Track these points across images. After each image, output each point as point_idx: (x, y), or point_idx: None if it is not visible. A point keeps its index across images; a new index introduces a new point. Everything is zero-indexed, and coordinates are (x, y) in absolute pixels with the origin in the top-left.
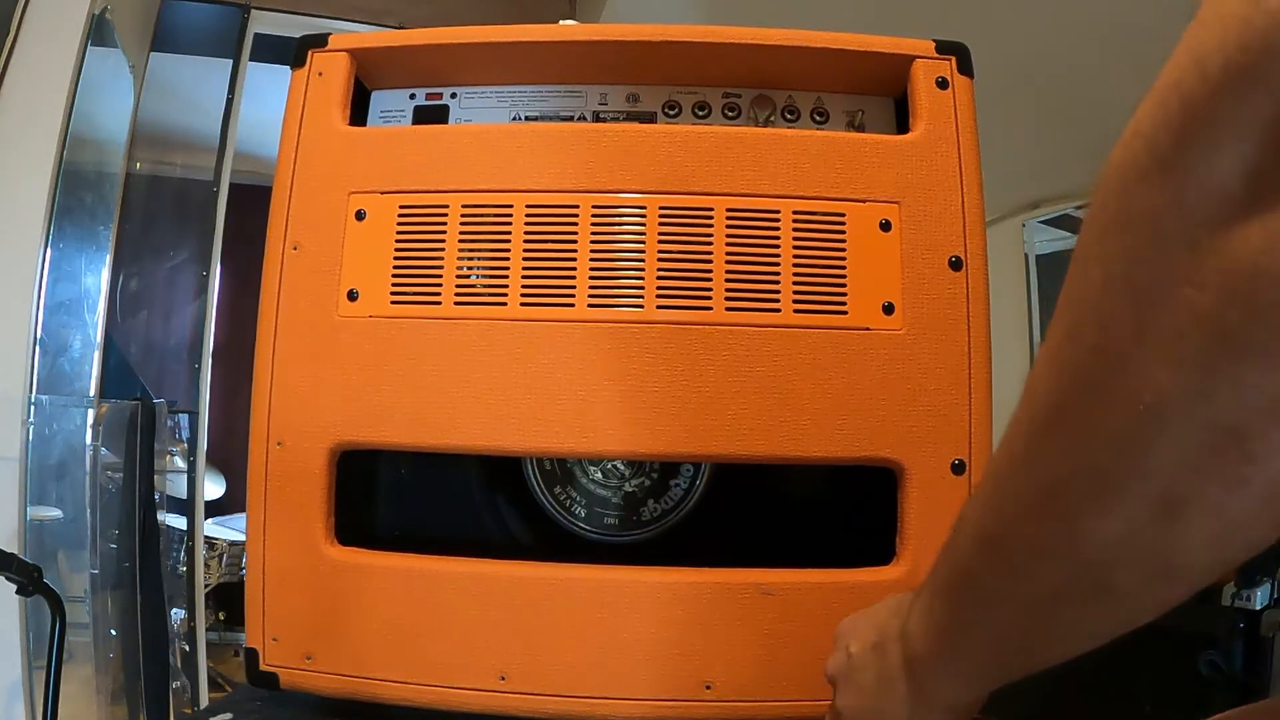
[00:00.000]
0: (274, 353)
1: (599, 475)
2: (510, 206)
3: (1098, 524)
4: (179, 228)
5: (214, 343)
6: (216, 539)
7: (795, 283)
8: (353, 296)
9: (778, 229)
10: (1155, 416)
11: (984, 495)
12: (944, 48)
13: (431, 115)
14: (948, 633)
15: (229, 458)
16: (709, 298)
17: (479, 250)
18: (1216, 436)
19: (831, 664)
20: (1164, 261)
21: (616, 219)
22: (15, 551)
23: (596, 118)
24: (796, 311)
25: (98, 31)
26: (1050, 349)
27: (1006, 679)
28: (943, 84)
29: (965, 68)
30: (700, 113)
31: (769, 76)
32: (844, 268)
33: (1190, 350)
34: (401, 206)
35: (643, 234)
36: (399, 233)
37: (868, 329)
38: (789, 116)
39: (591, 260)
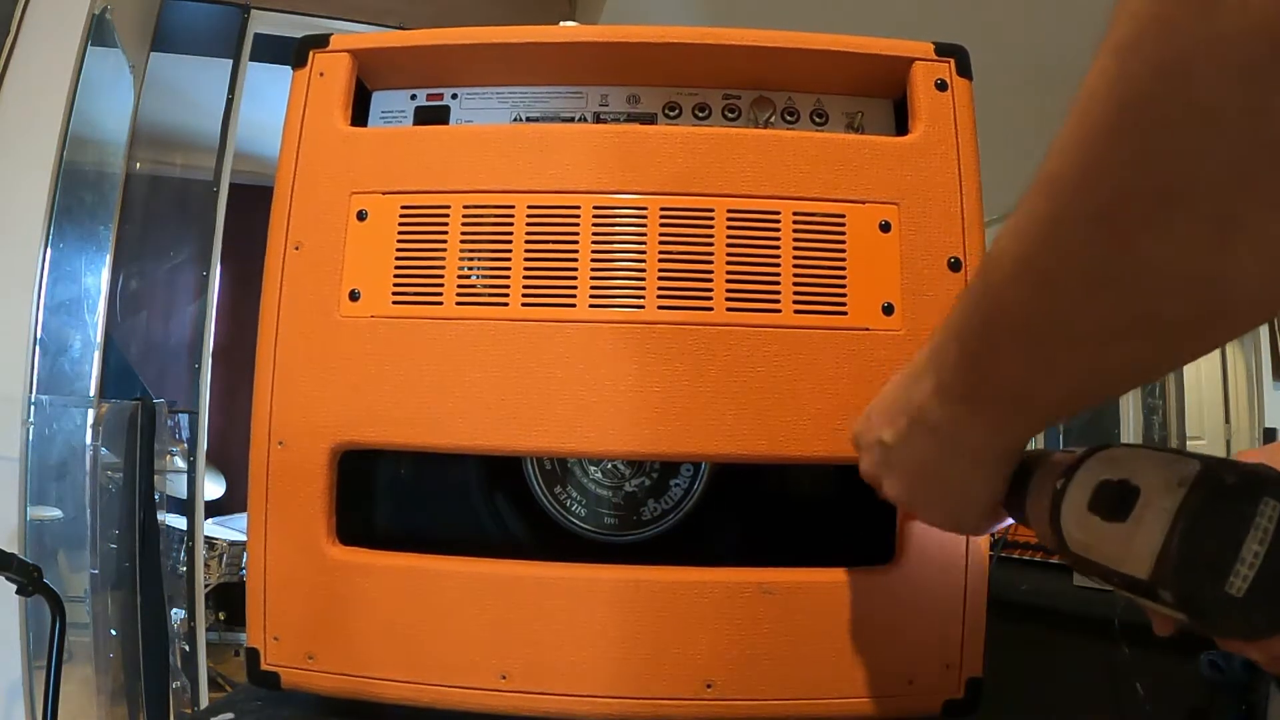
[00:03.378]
0: (275, 352)
1: (599, 475)
2: (512, 207)
3: (1153, 246)
4: (179, 228)
5: (214, 343)
6: (216, 539)
7: (795, 283)
8: (354, 296)
9: (778, 230)
10: (1213, 129)
11: (1030, 234)
12: (943, 50)
13: (432, 116)
14: (984, 383)
15: (229, 458)
16: (709, 298)
17: (480, 250)
18: (1272, 155)
19: (866, 465)
20: None
21: (618, 220)
22: (15, 551)
23: (597, 119)
24: (797, 312)
25: (98, 31)
26: (1106, 64)
27: (1043, 425)
28: (942, 86)
29: (964, 70)
30: (700, 114)
31: (769, 78)
32: (844, 269)
33: (1254, 58)
34: (403, 207)
35: (644, 235)
36: (400, 233)
37: (867, 329)
38: (789, 118)
39: (593, 261)
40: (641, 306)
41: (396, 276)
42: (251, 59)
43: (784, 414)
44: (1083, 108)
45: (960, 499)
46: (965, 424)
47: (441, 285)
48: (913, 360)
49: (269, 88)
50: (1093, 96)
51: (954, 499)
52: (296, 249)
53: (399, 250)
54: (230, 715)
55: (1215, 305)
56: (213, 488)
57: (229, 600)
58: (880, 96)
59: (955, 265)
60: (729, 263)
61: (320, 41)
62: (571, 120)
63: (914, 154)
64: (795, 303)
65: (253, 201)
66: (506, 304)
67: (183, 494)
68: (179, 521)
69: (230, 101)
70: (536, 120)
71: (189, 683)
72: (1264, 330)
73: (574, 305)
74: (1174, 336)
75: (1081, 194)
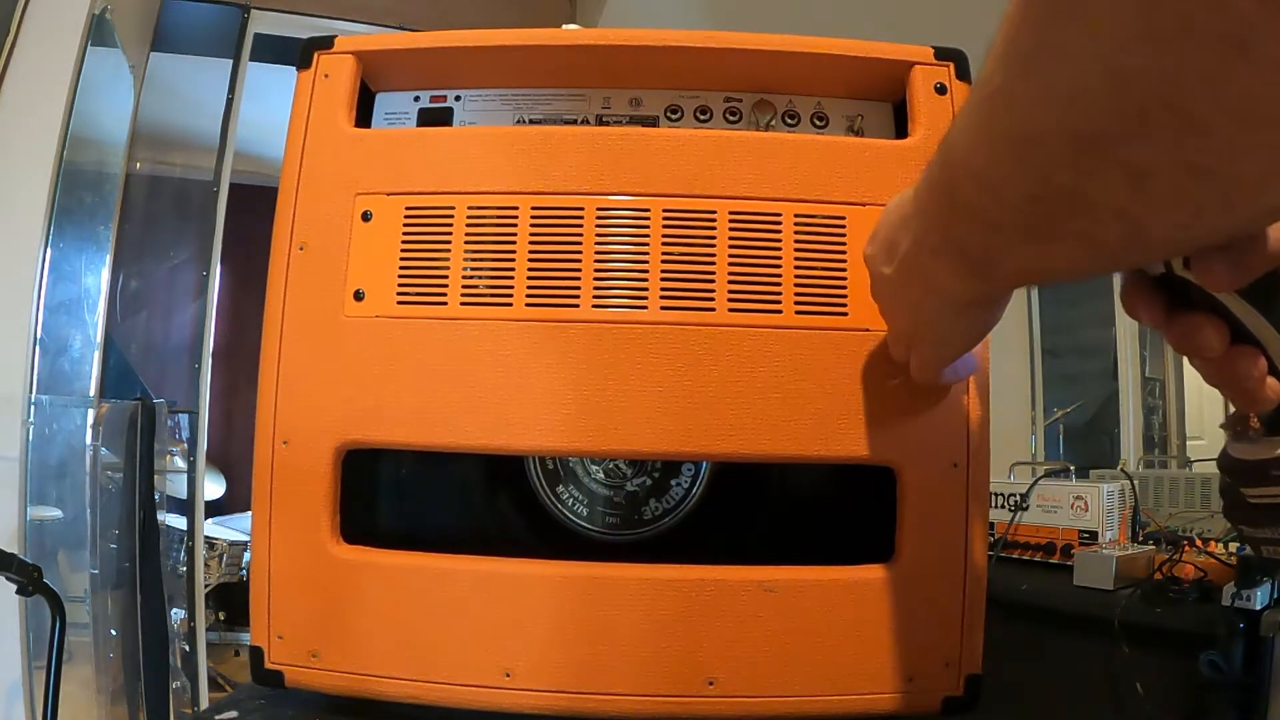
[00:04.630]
0: (280, 352)
1: (601, 474)
2: (516, 209)
3: (1074, 181)
4: (179, 228)
5: (214, 343)
6: (216, 539)
7: (797, 285)
8: (359, 296)
9: (779, 232)
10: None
11: (974, 140)
12: (942, 54)
13: (436, 117)
14: (952, 243)
15: (229, 458)
16: (712, 299)
17: (484, 251)
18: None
19: (872, 291)
20: None
21: (621, 221)
22: (15, 551)
23: (600, 121)
24: (798, 313)
25: (98, 31)
26: None
27: (1018, 285)
28: (941, 90)
29: (963, 73)
30: (702, 117)
31: (770, 81)
32: (845, 270)
33: None
34: (408, 208)
35: (646, 237)
36: (405, 234)
37: (868, 330)
38: (789, 121)
39: (596, 262)
40: (645, 307)
41: (401, 277)
42: (251, 59)
43: (785, 414)
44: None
45: (935, 341)
46: (943, 274)
47: (446, 286)
48: (911, 188)
49: (269, 88)
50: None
51: (930, 338)
52: (301, 249)
53: (403, 251)
54: (234, 714)
55: (1136, 237)
56: (213, 488)
57: (229, 600)
58: (880, 100)
59: None
60: (731, 264)
61: (325, 43)
62: (574, 122)
63: (914, 157)
64: (797, 304)
65: (253, 201)
66: (510, 304)
67: (183, 494)
68: (179, 521)
69: (230, 101)
70: (539, 122)
71: (189, 683)
72: None
73: (577, 306)
74: (1106, 250)
75: (995, 118)
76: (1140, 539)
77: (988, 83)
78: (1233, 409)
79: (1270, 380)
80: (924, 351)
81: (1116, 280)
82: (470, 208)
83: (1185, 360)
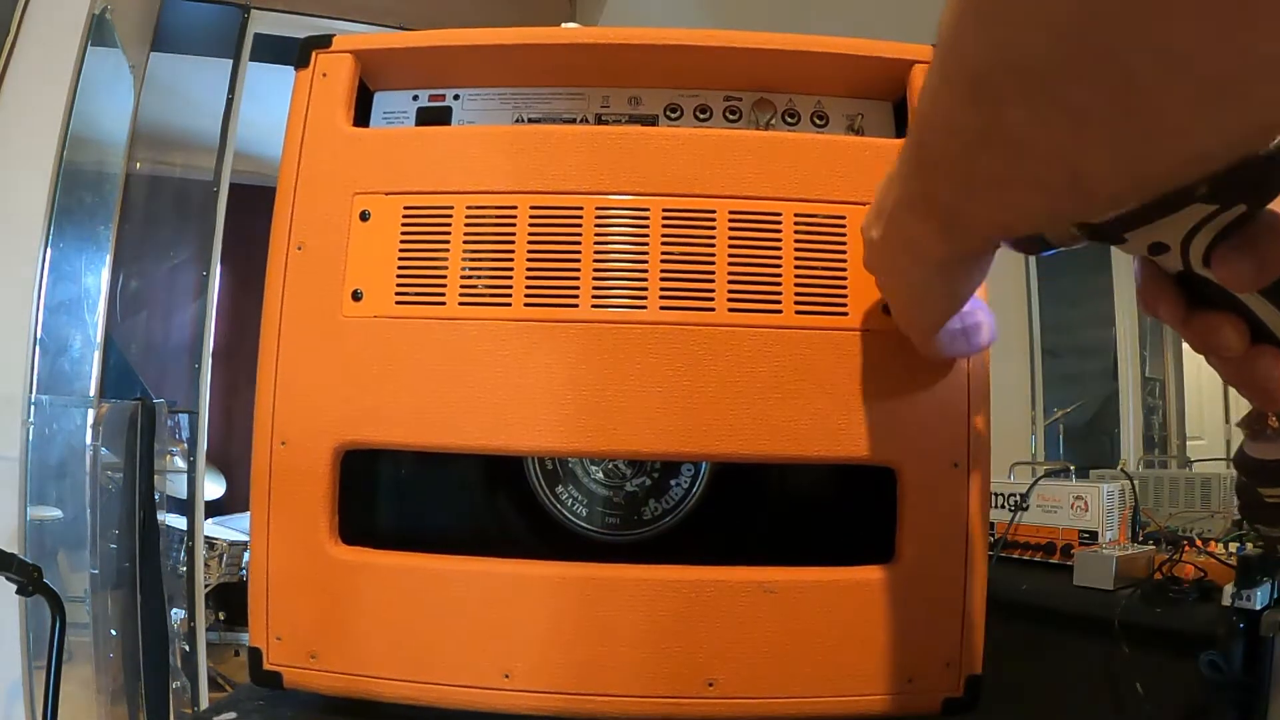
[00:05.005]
0: (278, 352)
1: (600, 475)
2: (514, 208)
3: (1019, 119)
4: (179, 228)
5: (214, 343)
6: (216, 539)
7: (797, 284)
8: (357, 297)
9: (779, 231)
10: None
11: (928, 94)
12: None
13: (434, 116)
14: (927, 199)
15: (229, 458)
16: (711, 299)
17: (483, 251)
18: (1101, 54)
19: (864, 258)
20: None
21: (620, 221)
22: (15, 551)
23: (599, 120)
24: (798, 313)
25: (98, 31)
26: None
27: (992, 239)
28: None
29: None
30: (702, 115)
31: (770, 80)
32: (845, 270)
33: None
34: (406, 207)
35: (646, 236)
36: (403, 233)
37: (868, 330)
38: (790, 120)
39: (595, 261)
40: (644, 307)
41: (399, 277)
42: (251, 59)
43: (785, 414)
44: None
45: (921, 304)
46: (920, 232)
47: (444, 285)
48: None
49: (269, 88)
50: None
51: (916, 302)
52: (299, 249)
53: (402, 251)
54: (233, 715)
55: (1080, 180)
56: (213, 488)
57: (229, 600)
58: (880, 99)
59: None
60: (730, 264)
61: (323, 42)
62: (573, 121)
63: None
64: (796, 303)
65: (253, 201)
66: (509, 304)
67: (183, 494)
68: (179, 521)
69: (230, 101)
70: (538, 121)
71: (189, 683)
72: None
73: (576, 306)
74: (1057, 197)
75: (952, 64)
76: (1140, 539)
77: (942, 34)
78: (1248, 408)
79: None
80: (917, 320)
81: (1117, 280)
82: (469, 207)
83: (1185, 360)
